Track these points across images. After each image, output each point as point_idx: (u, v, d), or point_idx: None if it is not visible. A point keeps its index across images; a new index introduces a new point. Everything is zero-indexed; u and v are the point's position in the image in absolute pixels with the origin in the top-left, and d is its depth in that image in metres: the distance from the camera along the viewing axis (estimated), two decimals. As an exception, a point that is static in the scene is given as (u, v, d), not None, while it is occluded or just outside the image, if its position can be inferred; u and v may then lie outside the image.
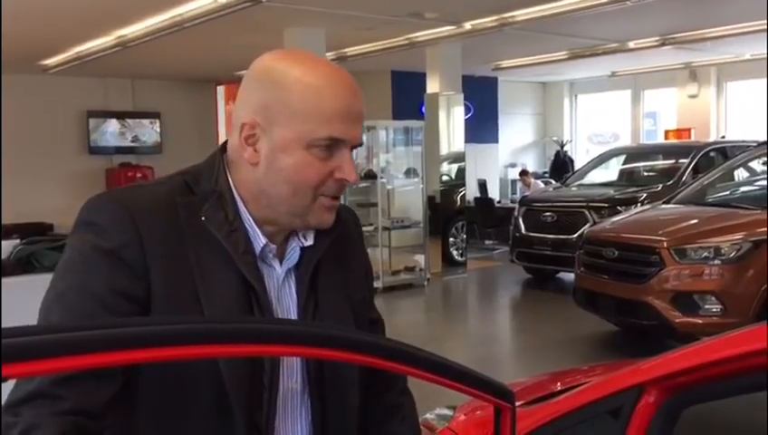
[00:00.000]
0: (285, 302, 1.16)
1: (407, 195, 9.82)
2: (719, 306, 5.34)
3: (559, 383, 2.21)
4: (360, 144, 1.14)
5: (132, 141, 13.11)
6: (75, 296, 1.02)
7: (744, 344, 1.20)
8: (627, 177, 9.78)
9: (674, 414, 1.27)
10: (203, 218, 1.09)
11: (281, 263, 1.16)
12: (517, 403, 1.91)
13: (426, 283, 9.37)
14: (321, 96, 1.08)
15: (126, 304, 1.03)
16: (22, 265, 3.94)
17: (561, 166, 14.27)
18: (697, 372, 1.22)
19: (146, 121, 13.22)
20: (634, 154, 10.49)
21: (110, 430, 1.02)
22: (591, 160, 10.44)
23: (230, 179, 1.14)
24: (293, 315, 1.15)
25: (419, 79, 10.61)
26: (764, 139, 7.30)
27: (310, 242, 1.17)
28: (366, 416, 1.26)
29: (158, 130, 13.30)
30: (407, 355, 0.98)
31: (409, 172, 9.93)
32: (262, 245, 1.13)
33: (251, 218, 1.13)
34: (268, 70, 1.11)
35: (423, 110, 10.44)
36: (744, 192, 6.84)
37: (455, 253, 10.18)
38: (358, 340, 0.94)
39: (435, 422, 2.11)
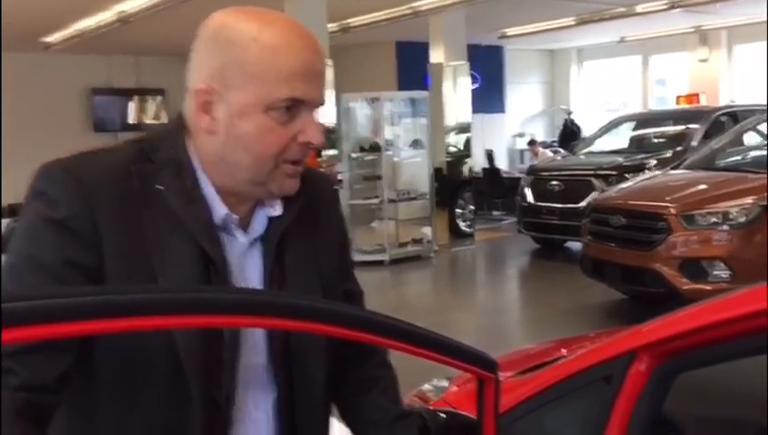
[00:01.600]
0: (250, 273, 1.11)
1: (413, 167, 9.72)
2: (728, 272, 5.27)
3: (564, 350, 2.16)
4: (323, 104, 1.08)
5: (137, 119, 13.07)
6: (25, 267, 1.00)
7: (742, 306, 1.14)
8: (636, 144, 9.64)
9: (667, 380, 1.22)
10: (159, 187, 1.04)
11: (245, 232, 1.11)
12: (518, 371, 1.88)
13: (433, 254, 9.33)
14: (278, 54, 1.02)
15: (76, 275, 0.99)
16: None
17: (569, 135, 14.10)
18: (692, 336, 1.16)
19: (150, 98, 13.17)
20: (643, 121, 10.32)
21: (69, 402, 1.00)
22: (600, 128, 10.30)
23: (189, 147, 1.08)
24: (258, 287, 1.10)
25: (424, 49, 10.45)
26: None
27: (279, 212, 1.12)
28: (343, 389, 1.22)
29: (163, 106, 13.25)
30: (377, 325, 0.92)
31: (415, 144, 9.83)
32: (222, 215, 1.08)
33: (212, 188, 1.08)
34: (221, 29, 1.04)
35: (428, 80, 10.32)
36: (753, 156, 6.72)
37: (462, 224, 10.10)
38: (321, 309, 0.89)
39: (430, 394, 2.08)
